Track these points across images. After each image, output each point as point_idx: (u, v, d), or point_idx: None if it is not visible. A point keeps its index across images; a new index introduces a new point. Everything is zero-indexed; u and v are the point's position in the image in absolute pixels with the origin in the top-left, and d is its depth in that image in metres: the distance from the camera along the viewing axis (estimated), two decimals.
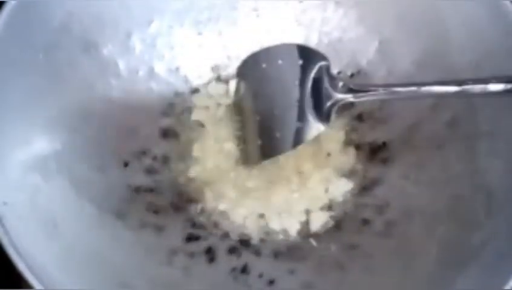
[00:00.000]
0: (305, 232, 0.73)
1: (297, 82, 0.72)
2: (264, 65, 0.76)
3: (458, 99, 0.71)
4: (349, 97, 0.70)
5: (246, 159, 0.76)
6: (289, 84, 0.73)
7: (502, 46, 0.69)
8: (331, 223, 0.73)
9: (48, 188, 0.63)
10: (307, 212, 0.74)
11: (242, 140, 0.77)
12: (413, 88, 0.66)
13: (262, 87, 0.76)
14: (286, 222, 0.73)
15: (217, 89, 0.81)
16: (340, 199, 0.75)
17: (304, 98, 0.71)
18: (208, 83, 0.82)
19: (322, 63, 0.72)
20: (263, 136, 0.74)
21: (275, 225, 0.73)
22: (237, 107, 0.79)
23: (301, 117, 0.71)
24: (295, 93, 0.72)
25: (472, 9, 0.71)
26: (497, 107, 0.68)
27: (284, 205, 0.74)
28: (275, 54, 0.76)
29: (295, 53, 0.74)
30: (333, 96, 0.70)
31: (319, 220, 0.73)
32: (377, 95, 0.69)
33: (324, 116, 0.70)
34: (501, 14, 0.69)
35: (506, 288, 0.56)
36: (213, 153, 0.77)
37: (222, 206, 0.74)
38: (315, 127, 0.71)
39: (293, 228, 0.73)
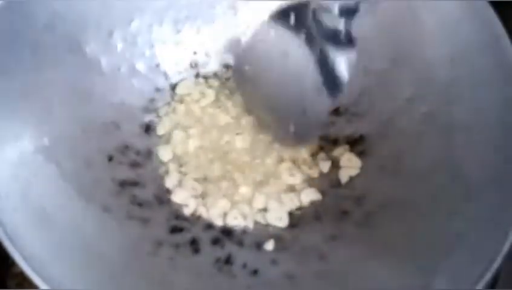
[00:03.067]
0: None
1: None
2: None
3: (435, 94, 0.73)
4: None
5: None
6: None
7: (476, 42, 0.71)
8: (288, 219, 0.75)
9: (38, 181, 0.65)
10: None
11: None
12: None
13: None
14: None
15: (196, 84, 0.83)
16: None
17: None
18: (187, 79, 0.83)
19: None
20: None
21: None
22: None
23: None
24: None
25: (446, 6, 0.73)
26: (473, 101, 0.70)
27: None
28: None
29: None
30: None
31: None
32: None
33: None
34: (475, 10, 0.71)
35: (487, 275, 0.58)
36: (194, 146, 0.78)
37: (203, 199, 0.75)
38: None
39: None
